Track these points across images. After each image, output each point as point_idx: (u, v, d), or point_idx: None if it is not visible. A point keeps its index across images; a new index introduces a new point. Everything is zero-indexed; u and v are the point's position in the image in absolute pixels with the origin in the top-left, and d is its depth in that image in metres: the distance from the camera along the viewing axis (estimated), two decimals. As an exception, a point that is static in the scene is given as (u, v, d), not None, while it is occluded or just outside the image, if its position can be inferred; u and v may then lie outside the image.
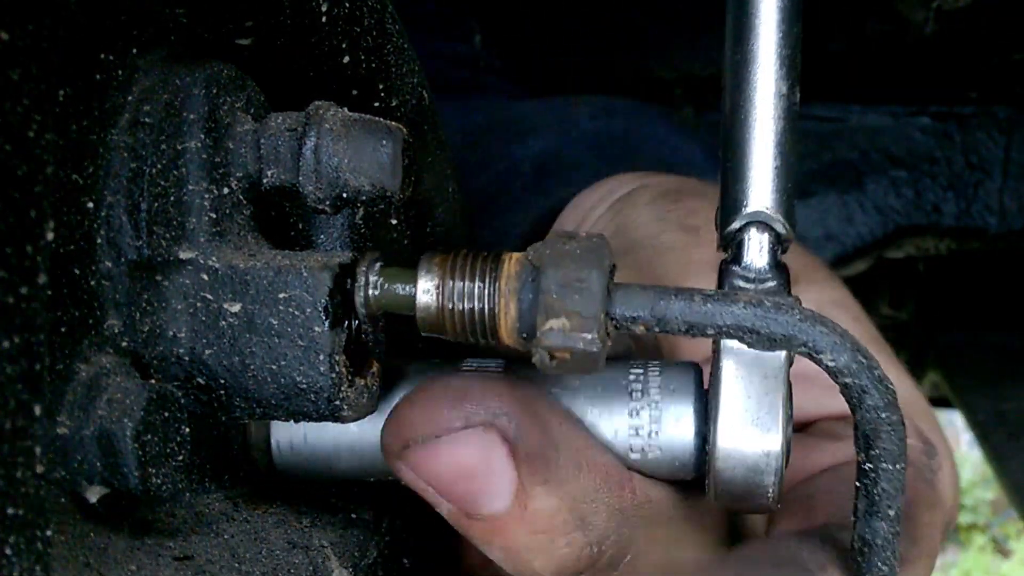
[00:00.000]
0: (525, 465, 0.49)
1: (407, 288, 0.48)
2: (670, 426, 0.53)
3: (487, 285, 0.47)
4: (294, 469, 0.55)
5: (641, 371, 0.54)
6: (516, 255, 0.48)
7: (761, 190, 0.51)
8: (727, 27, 0.53)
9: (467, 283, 0.47)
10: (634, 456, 0.53)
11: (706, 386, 0.54)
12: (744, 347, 0.49)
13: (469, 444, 0.48)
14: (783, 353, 0.51)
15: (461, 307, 0.47)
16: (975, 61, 1.18)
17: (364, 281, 0.48)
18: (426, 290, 0.48)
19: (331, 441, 0.54)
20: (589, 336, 0.45)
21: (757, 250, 0.51)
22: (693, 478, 0.54)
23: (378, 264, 0.48)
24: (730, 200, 0.52)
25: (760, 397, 0.51)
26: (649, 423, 0.53)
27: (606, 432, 0.53)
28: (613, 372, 0.54)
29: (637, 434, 0.53)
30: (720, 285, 0.52)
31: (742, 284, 0.51)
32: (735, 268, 0.52)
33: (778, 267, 0.52)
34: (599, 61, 1.06)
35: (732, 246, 0.52)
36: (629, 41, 1.05)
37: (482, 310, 0.47)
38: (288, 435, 0.55)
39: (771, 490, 0.52)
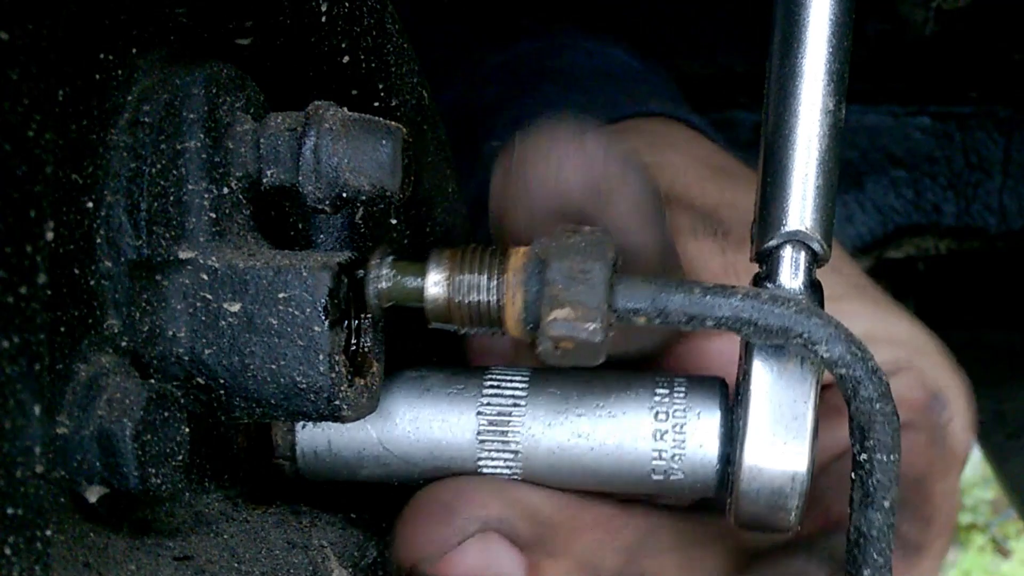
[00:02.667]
0: (527, 550, 0.52)
1: (417, 281, 0.49)
2: (694, 446, 0.53)
3: (494, 277, 0.49)
4: (319, 475, 0.56)
5: (666, 389, 0.54)
6: (523, 249, 0.49)
7: (801, 209, 0.51)
8: (774, 38, 0.52)
9: (475, 276, 0.49)
10: (656, 477, 0.54)
11: (731, 399, 0.54)
12: (772, 364, 0.50)
13: (471, 554, 0.52)
14: (811, 370, 0.51)
15: (469, 299, 0.49)
16: (975, 61, 1.18)
17: (375, 274, 0.49)
18: (435, 282, 0.49)
19: (356, 447, 0.55)
20: (592, 326, 0.46)
21: (792, 268, 0.52)
22: (715, 497, 0.54)
23: (390, 257, 0.50)
24: (768, 216, 0.52)
25: (788, 419, 0.51)
26: (673, 445, 0.53)
27: (629, 452, 0.53)
28: (639, 389, 0.54)
29: (660, 457, 0.53)
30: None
31: None
32: (769, 285, 0.52)
33: (813, 286, 0.52)
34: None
35: (768, 262, 0.52)
36: (629, 41, 1.05)
37: (489, 301, 0.49)
38: (313, 442, 0.55)
39: (793, 513, 0.52)
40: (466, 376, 0.56)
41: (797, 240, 0.51)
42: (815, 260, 0.52)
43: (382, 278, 0.49)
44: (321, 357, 0.46)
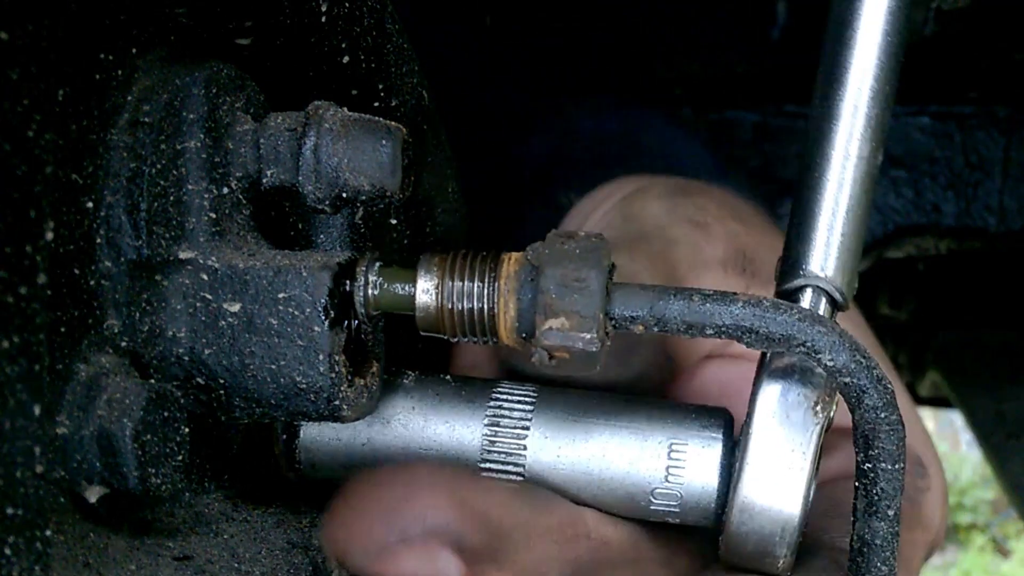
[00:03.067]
0: (472, 560, 0.48)
1: (407, 288, 0.48)
2: (695, 478, 0.53)
3: (486, 285, 0.47)
4: (321, 477, 0.56)
5: (672, 419, 0.54)
6: (515, 255, 0.48)
7: (824, 256, 0.51)
8: (819, 75, 0.51)
9: (466, 283, 0.47)
10: (655, 506, 0.53)
11: (736, 433, 0.54)
12: (777, 411, 0.50)
13: (410, 560, 0.47)
14: (815, 420, 0.51)
15: (460, 307, 0.47)
16: (975, 61, 1.18)
17: (364, 281, 0.48)
18: (425, 290, 0.48)
19: (359, 453, 0.55)
20: (588, 336, 0.45)
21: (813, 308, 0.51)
22: (712, 527, 0.54)
23: (377, 264, 0.48)
24: (792, 258, 0.51)
25: (788, 454, 0.51)
26: (674, 475, 0.53)
27: (631, 479, 0.53)
28: (644, 416, 0.54)
29: (661, 486, 0.53)
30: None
31: None
32: None
33: None
34: (599, 60, 1.06)
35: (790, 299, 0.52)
36: (629, 40, 1.05)
37: (481, 310, 0.47)
38: (316, 446, 0.55)
39: (782, 560, 0.52)
40: (474, 388, 0.55)
41: (817, 287, 0.51)
42: (835, 308, 0.51)
43: (371, 285, 0.48)
44: (321, 357, 0.46)
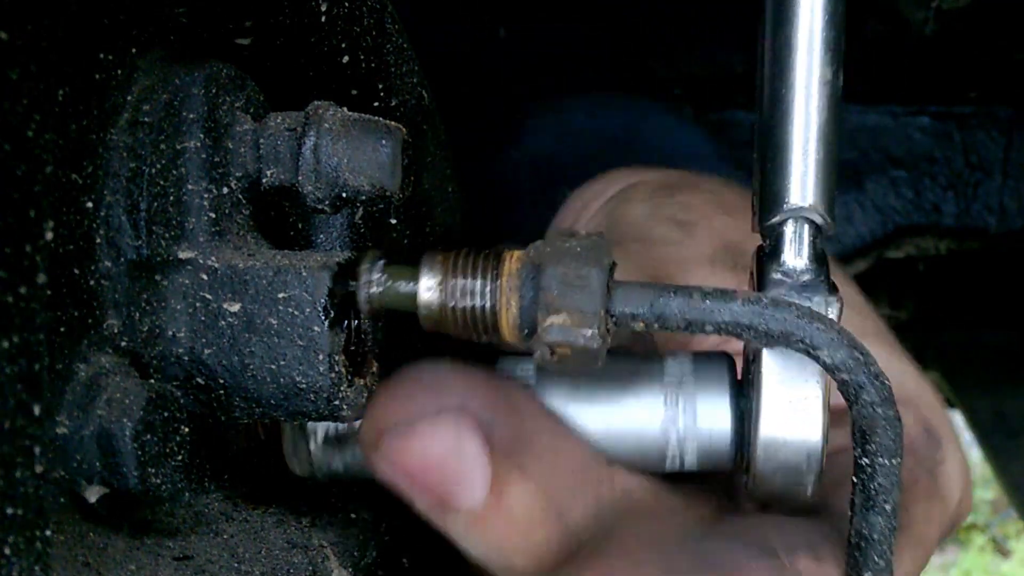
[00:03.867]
0: (499, 455, 0.48)
1: (409, 286, 0.48)
2: (707, 427, 0.53)
3: (488, 282, 0.48)
4: (329, 476, 0.56)
5: (675, 371, 0.54)
6: (517, 253, 0.48)
7: (802, 184, 0.50)
8: (766, 8, 0.51)
9: (469, 280, 0.48)
10: (670, 461, 0.54)
11: (739, 375, 0.54)
12: (785, 373, 0.50)
13: (441, 432, 0.47)
14: (822, 385, 0.51)
15: (463, 304, 0.48)
16: (975, 61, 1.18)
17: (367, 279, 0.48)
18: (428, 288, 0.48)
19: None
20: (589, 332, 0.46)
21: (796, 243, 0.51)
22: (729, 471, 0.54)
23: (380, 262, 0.49)
24: (770, 193, 0.51)
25: (800, 386, 0.51)
26: (683, 415, 0.53)
27: (641, 438, 0.53)
28: (647, 373, 0.54)
29: (673, 441, 0.53)
30: (758, 276, 0.52)
31: (780, 276, 0.51)
32: (773, 263, 0.52)
33: (817, 259, 0.52)
34: (598, 60, 1.06)
35: (771, 238, 0.52)
36: (629, 40, 1.05)
37: (484, 307, 0.48)
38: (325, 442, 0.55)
39: (810, 487, 0.52)
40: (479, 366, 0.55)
41: (800, 216, 0.51)
42: (819, 232, 0.51)
43: (373, 283, 0.48)
44: (321, 357, 0.46)
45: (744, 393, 0.53)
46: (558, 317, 0.46)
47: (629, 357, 0.55)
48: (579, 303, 0.46)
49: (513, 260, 0.48)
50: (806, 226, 0.51)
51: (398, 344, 0.55)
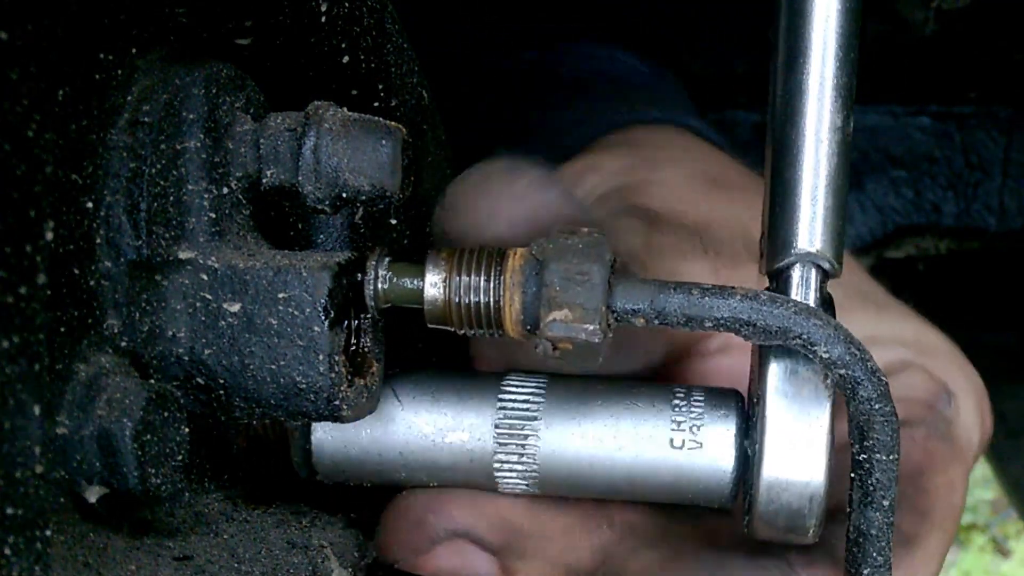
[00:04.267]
0: (499, 553, 0.55)
1: (415, 282, 0.49)
2: (711, 457, 0.53)
3: (492, 279, 0.49)
4: (333, 479, 0.56)
5: (684, 399, 0.54)
6: (520, 250, 0.49)
7: (810, 230, 0.51)
8: (777, 53, 0.51)
9: (473, 277, 0.49)
10: (672, 486, 0.54)
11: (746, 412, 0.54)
12: (787, 387, 0.50)
13: (442, 557, 0.56)
14: (827, 392, 0.51)
15: (467, 300, 0.49)
16: (975, 61, 1.18)
17: (374, 275, 0.49)
18: (433, 284, 0.49)
19: (372, 452, 0.56)
20: (591, 327, 0.47)
21: (803, 287, 0.51)
22: (728, 507, 0.55)
23: (387, 259, 0.49)
24: (777, 236, 0.51)
25: (805, 425, 0.51)
26: (689, 455, 0.53)
27: (646, 461, 0.54)
28: (656, 398, 0.54)
29: (676, 467, 0.54)
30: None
31: None
32: None
33: (824, 302, 0.52)
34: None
35: (778, 280, 0.52)
36: (628, 40, 1.05)
37: (487, 303, 0.49)
38: (328, 446, 0.56)
39: (812, 530, 0.52)
40: (482, 383, 0.56)
41: (808, 261, 0.51)
42: (826, 277, 0.52)
43: (380, 279, 0.49)
44: (321, 357, 0.46)
45: (749, 432, 0.53)
46: (560, 312, 0.47)
47: (639, 383, 0.56)
48: (581, 299, 0.47)
49: (516, 257, 0.49)
50: (813, 271, 0.51)
51: (399, 344, 0.55)
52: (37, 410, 0.33)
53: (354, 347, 0.50)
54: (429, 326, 0.50)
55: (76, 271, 0.44)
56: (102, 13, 0.43)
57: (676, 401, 0.54)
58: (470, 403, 0.55)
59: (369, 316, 0.50)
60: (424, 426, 0.55)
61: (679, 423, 0.53)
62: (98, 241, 0.45)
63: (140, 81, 0.46)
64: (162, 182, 0.46)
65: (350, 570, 0.54)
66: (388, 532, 0.57)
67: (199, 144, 0.46)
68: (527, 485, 0.55)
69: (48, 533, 0.34)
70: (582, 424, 0.54)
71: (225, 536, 0.50)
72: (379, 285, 0.49)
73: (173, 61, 0.47)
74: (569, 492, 0.56)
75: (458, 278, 0.49)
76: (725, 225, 0.65)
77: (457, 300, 0.49)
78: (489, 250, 0.50)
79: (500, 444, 0.54)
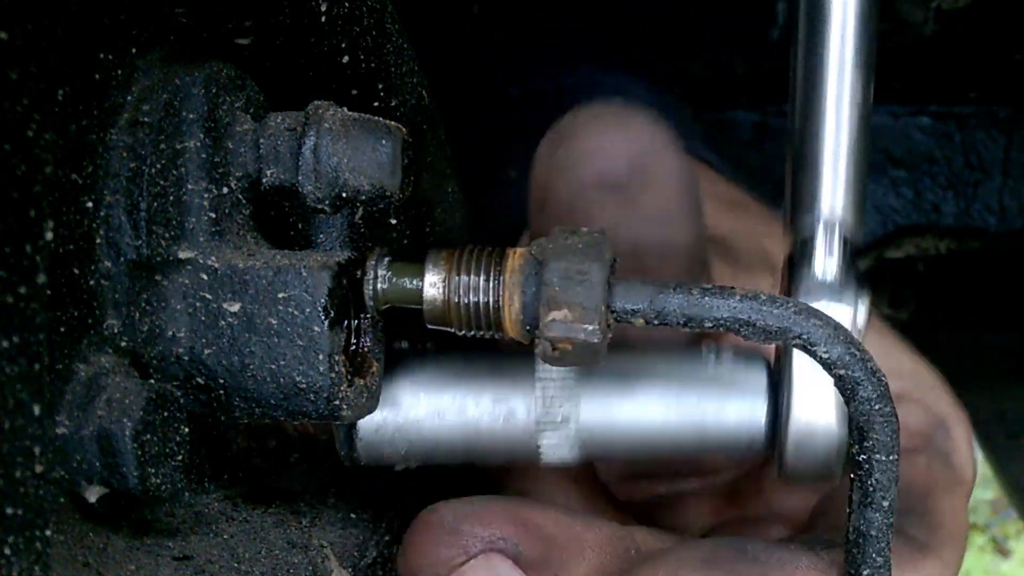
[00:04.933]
0: (532, 569, 0.53)
1: (414, 282, 0.49)
2: (745, 405, 0.55)
3: (492, 279, 0.49)
4: (380, 462, 0.56)
5: (714, 355, 0.56)
6: (520, 250, 0.49)
7: (833, 192, 0.53)
8: (799, 28, 0.53)
9: (472, 277, 0.49)
10: (709, 436, 0.55)
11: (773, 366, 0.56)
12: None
13: (476, 572, 0.53)
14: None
15: (467, 300, 0.49)
16: (975, 61, 1.18)
17: (373, 275, 0.49)
18: (433, 284, 0.49)
19: (419, 434, 0.55)
20: (590, 327, 0.47)
21: (827, 249, 0.54)
22: (763, 457, 0.57)
23: (386, 258, 0.50)
24: (801, 200, 0.53)
25: (827, 383, 0.52)
26: (723, 404, 0.55)
27: (686, 415, 0.55)
28: (688, 357, 0.56)
29: (714, 416, 0.55)
30: (789, 281, 0.54)
31: (812, 280, 0.54)
32: (804, 267, 0.54)
33: (847, 263, 0.54)
34: (597, 59, 1.06)
35: (801, 244, 0.54)
36: (627, 39, 1.05)
37: (487, 303, 0.49)
38: (374, 429, 0.55)
39: (838, 463, 0.55)
40: (517, 358, 0.56)
41: (832, 232, 0.53)
42: (849, 247, 0.53)
43: (379, 279, 0.49)
44: (321, 357, 0.46)
45: (778, 377, 0.55)
46: (559, 312, 0.47)
47: (667, 351, 0.57)
48: (580, 298, 0.47)
49: (516, 257, 0.49)
50: (837, 239, 0.53)
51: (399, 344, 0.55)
52: (37, 410, 0.33)
53: (354, 347, 0.50)
54: (428, 327, 0.50)
55: (76, 271, 0.44)
56: (102, 13, 0.43)
57: (707, 358, 0.56)
58: (507, 373, 0.55)
59: (369, 316, 0.50)
60: (457, 401, 0.55)
61: (713, 377, 0.55)
62: (98, 241, 0.45)
63: (140, 81, 0.46)
64: (162, 182, 0.46)
65: (350, 570, 0.54)
66: (416, 548, 0.54)
67: (199, 144, 0.46)
68: (569, 449, 0.55)
69: (48, 533, 0.34)
70: (619, 392, 0.55)
71: (225, 536, 0.50)
72: (378, 285, 0.49)
73: (173, 61, 0.47)
74: (615, 457, 0.58)
75: (457, 278, 0.49)
76: (743, 239, 0.67)
77: (456, 300, 0.49)
78: (489, 250, 0.50)
79: (542, 416, 0.55)
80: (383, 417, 0.54)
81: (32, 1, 0.33)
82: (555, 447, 0.55)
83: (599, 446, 0.56)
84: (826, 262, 0.54)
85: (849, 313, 0.54)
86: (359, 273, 0.49)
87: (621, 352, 0.55)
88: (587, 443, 0.55)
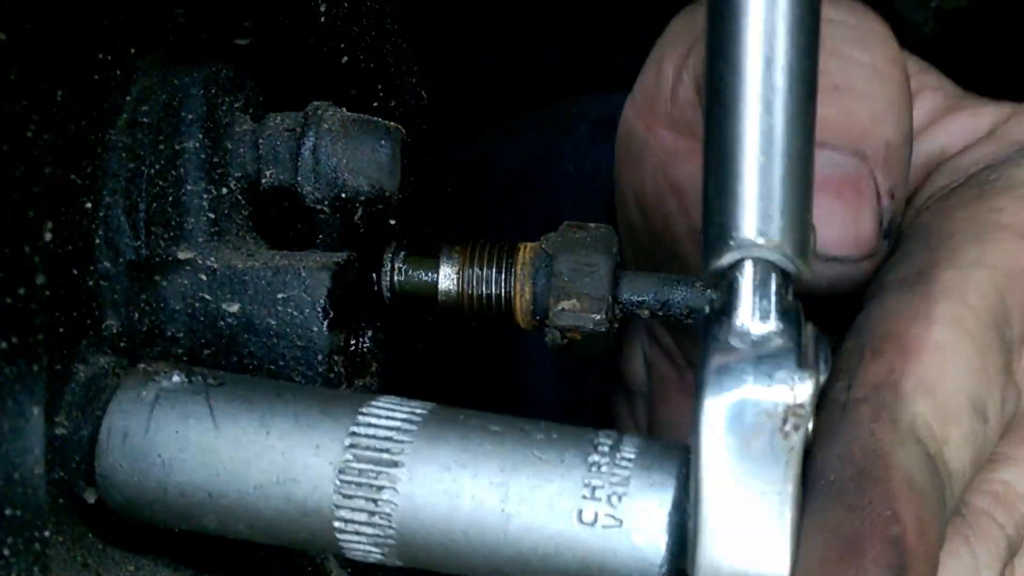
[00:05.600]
0: None
1: (430, 275, 0.52)
2: (634, 535, 0.40)
3: (504, 271, 0.52)
4: (135, 519, 0.44)
5: (608, 454, 0.40)
6: (531, 244, 0.52)
7: (760, 216, 0.37)
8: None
9: (485, 270, 0.52)
10: (570, 566, 0.40)
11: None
12: (733, 440, 0.37)
13: None
14: (785, 446, 0.37)
15: (480, 291, 0.52)
16: (975, 61, 1.18)
17: (390, 267, 0.52)
18: (447, 275, 0.52)
19: (175, 493, 0.42)
20: (598, 316, 0.49)
21: (756, 296, 0.38)
22: None
23: (402, 252, 0.53)
24: (716, 228, 0.37)
25: (757, 517, 0.37)
26: (604, 530, 0.40)
27: (546, 534, 0.40)
28: (570, 449, 0.41)
29: (587, 545, 0.40)
30: (703, 338, 0.39)
31: (732, 341, 0.38)
32: (724, 322, 0.38)
33: (785, 317, 0.38)
34: (594, 59, 1.06)
35: (722, 287, 0.39)
36: (625, 39, 1.05)
37: (499, 295, 0.52)
38: (122, 480, 0.43)
39: None
40: (336, 404, 0.42)
41: (760, 258, 0.38)
42: (787, 281, 0.39)
43: (396, 271, 0.52)
44: (320, 358, 0.46)
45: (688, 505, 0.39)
46: (568, 302, 0.49)
47: (553, 426, 0.42)
48: (588, 288, 0.49)
49: (527, 251, 0.52)
50: (771, 272, 0.38)
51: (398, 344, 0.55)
52: (36, 411, 0.33)
53: (353, 347, 0.50)
54: (441, 315, 0.53)
55: (75, 272, 0.44)
56: (101, 14, 0.43)
57: (596, 457, 0.40)
58: (311, 434, 0.41)
59: (369, 316, 0.50)
60: (244, 461, 0.42)
61: (594, 489, 0.40)
62: (97, 242, 0.45)
63: (139, 81, 0.46)
64: (161, 182, 0.46)
65: (350, 570, 0.54)
66: None
67: (198, 144, 0.46)
68: (382, 554, 0.41)
69: (47, 534, 0.34)
70: (459, 477, 0.40)
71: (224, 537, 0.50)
72: (395, 277, 0.52)
73: (172, 62, 0.47)
74: (438, 567, 0.42)
75: (470, 271, 0.52)
76: None
77: (470, 291, 0.52)
78: (500, 244, 0.52)
79: (344, 497, 0.41)
80: (135, 461, 0.42)
81: (32, 2, 0.33)
82: (361, 548, 0.42)
83: (421, 557, 0.41)
84: (753, 316, 0.38)
85: (784, 390, 0.37)
86: (376, 266, 0.51)
87: (479, 424, 0.42)
88: (405, 551, 0.41)
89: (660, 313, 0.49)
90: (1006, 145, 0.51)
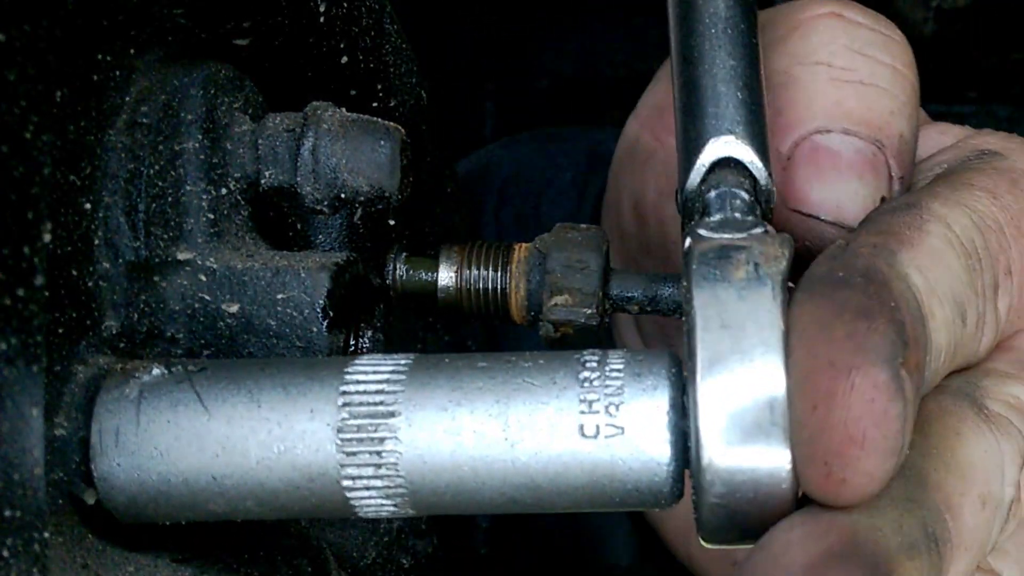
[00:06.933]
0: None
1: (430, 275, 0.56)
2: (634, 440, 0.40)
3: (500, 270, 0.55)
4: (135, 519, 0.44)
5: (597, 369, 0.41)
6: (525, 245, 0.55)
7: (733, 117, 0.44)
8: None
9: (482, 270, 0.55)
10: (591, 487, 0.41)
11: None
12: (721, 309, 0.39)
13: None
14: (776, 294, 0.39)
15: (477, 288, 0.55)
16: (975, 61, 1.18)
17: (393, 267, 0.55)
18: (447, 275, 0.56)
19: (178, 479, 0.42)
20: (589, 311, 0.52)
21: (727, 198, 0.43)
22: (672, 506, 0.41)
23: (404, 253, 0.56)
24: (691, 143, 0.43)
25: (749, 384, 0.39)
26: (606, 442, 0.40)
27: (550, 457, 0.40)
28: (559, 370, 0.41)
29: (592, 460, 0.40)
30: (682, 241, 0.42)
31: (706, 233, 0.42)
32: (700, 220, 0.43)
33: (757, 219, 0.43)
34: (592, 58, 1.06)
35: (694, 197, 0.43)
36: (625, 38, 1.05)
37: (495, 291, 0.55)
38: (120, 477, 0.42)
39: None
40: (319, 370, 0.42)
41: (732, 161, 0.43)
42: (756, 187, 0.43)
43: (398, 271, 0.55)
44: (320, 358, 0.46)
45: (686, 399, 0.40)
46: (561, 297, 0.52)
47: (539, 353, 0.42)
48: (580, 284, 0.52)
49: (522, 250, 0.55)
50: (744, 179, 0.43)
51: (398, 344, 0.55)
52: (36, 412, 0.33)
53: (353, 347, 0.50)
54: (440, 310, 0.56)
55: (74, 272, 0.44)
56: (100, 14, 0.43)
57: (586, 373, 0.41)
58: (303, 400, 0.41)
59: (368, 316, 0.50)
60: (241, 438, 0.41)
61: (591, 403, 0.40)
62: (96, 242, 0.45)
63: (138, 82, 0.46)
64: (160, 183, 0.46)
65: (349, 571, 0.54)
66: None
67: (197, 145, 0.46)
68: (395, 506, 0.42)
69: (46, 535, 0.34)
70: (457, 415, 0.41)
71: (224, 537, 0.50)
72: (398, 276, 0.55)
73: (171, 62, 0.47)
74: (452, 509, 0.42)
75: (468, 271, 0.55)
76: None
77: (468, 289, 0.55)
78: (497, 244, 0.55)
79: (348, 455, 0.41)
80: (134, 459, 0.42)
81: (30, 1, 0.32)
82: (374, 504, 0.42)
83: (435, 501, 0.41)
84: (728, 213, 0.43)
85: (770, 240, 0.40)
86: (379, 267, 0.54)
87: (465, 363, 0.42)
88: (418, 497, 0.41)
89: (649, 309, 0.52)
90: (967, 151, 0.57)
